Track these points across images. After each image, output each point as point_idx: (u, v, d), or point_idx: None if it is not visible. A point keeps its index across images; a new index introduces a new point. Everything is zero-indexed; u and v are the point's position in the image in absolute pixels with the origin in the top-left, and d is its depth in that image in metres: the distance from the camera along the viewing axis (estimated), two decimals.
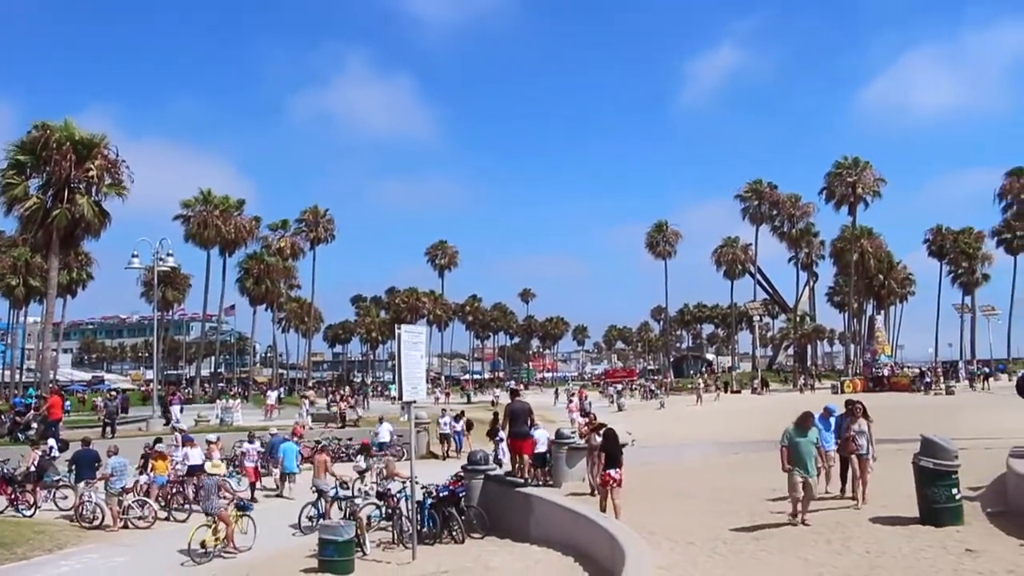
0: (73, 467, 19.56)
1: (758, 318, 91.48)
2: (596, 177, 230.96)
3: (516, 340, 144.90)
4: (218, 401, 46.91)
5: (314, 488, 17.98)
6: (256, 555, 15.23)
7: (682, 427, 40.45)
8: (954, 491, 11.28)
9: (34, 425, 29.41)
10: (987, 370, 65.85)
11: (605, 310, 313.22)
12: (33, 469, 19.90)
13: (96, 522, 17.59)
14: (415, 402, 14.80)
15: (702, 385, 64.73)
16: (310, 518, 17.19)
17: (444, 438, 30.53)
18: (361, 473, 21.29)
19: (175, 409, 36.63)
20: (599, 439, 15.14)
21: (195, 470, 19.97)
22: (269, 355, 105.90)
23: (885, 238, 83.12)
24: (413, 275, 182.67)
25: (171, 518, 18.73)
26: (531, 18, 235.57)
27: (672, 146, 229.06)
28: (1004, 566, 9.04)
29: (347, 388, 63.65)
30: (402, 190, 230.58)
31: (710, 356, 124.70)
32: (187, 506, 19.19)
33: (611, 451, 14.34)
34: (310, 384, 79.90)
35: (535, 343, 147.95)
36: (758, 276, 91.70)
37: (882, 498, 13.06)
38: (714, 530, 12.41)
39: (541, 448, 18.03)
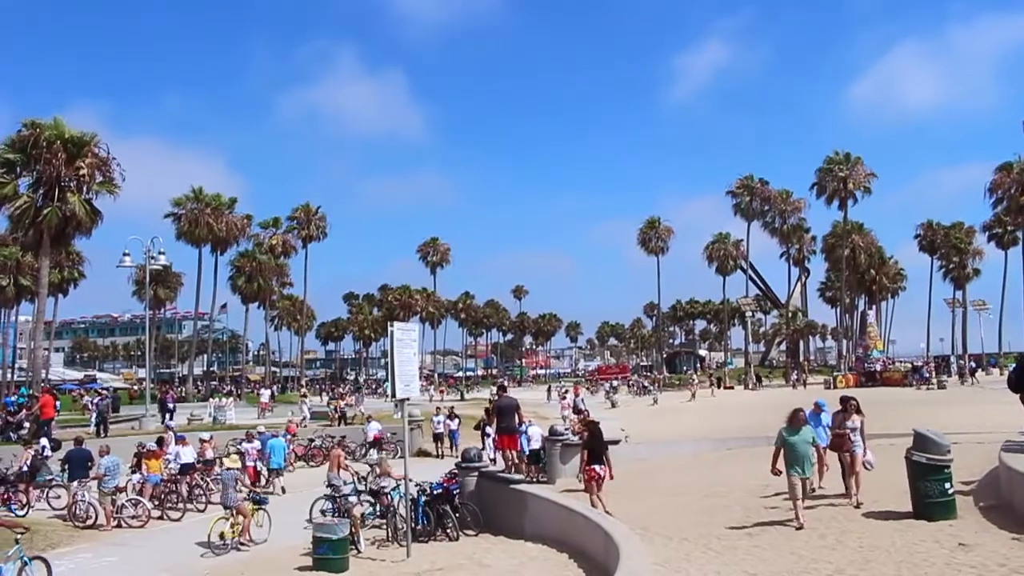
0: (66, 466, 19.48)
1: (750, 314, 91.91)
2: (587, 173, 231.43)
3: (509, 337, 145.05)
4: (211, 399, 46.87)
5: (328, 483, 17.97)
6: (251, 554, 15.22)
7: (675, 423, 40.49)
8: (947, 485, 11.29)
9: (26, 424, 29.34)
10: (973, 364, 66.09)
11: (598, 307, 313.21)
12: (26, 469, 19.79)
13: (89, 521, 17.52)
14: (408, 399, 14.80)
15: (695, 381, 64.88)
16: (323, 512, 17.13)
17: (437, 437, 30.38)
18: (372, 467, 21.26)
19: (169, 407, 36.56)
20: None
21: (188, 469, 20.02)
22: (262, 353, 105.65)
23: (876, 233, 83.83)
24: (405, 272, 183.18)
25: (165, 517, 18.66)
26: (519, 15, 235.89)
27: (663, 142, 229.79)
28: (996, 560, 9.07)
29: (346, 386, 63.66)
30: (393, 187, 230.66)
31: (703, 352, 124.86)
32: (181, 505, 19.14)
33: (594, 447, 14.39)
34: (303, 382, 79.82)
35: (528, 340, 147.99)
36: (750, 272, 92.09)
37: (875, 493, 13.08)
38: (708, 526, 12.44)
39: (535, 445, 18.05)
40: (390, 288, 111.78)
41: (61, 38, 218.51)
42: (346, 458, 19.46)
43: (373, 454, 23.05)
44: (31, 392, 36.12)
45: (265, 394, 49.36)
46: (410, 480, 14.67)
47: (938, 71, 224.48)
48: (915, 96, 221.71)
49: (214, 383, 79.03)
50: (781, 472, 11.86)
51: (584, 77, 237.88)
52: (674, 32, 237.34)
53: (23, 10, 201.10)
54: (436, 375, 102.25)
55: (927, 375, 58.99)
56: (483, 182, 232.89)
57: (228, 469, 16.87)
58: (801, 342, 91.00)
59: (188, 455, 20.54)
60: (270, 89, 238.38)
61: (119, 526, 17.57)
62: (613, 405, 53.23)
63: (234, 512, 15.45)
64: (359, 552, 14.46)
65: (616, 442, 22.61)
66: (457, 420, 30.88)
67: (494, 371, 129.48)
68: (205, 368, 79.12)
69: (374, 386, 79.26)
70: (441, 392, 68.54)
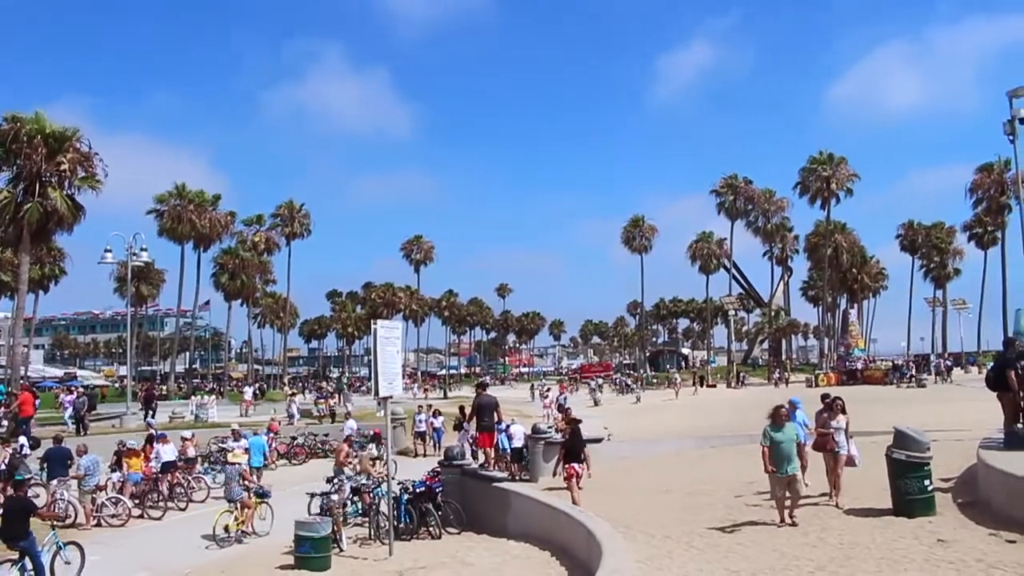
0: (45, 465, 19.29)
1: (733, 312, 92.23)
2: (573, 173, 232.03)
3: (492, 335, 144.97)
4: (193, 397, 46.57)
5: (338, 478, 17.91)
6: (233, 552, 15.15)
7: (658, 421, 40.66)
8: (926, 482, 11.39)
9: (4, 422, 29.04)
10: (949, 363, 66.70)
11: (582, 305, 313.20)
12: (4, 467, 19.59)
13: (69, 520, 17.35)
14: (391, 397, 14.76)
15: (678, 379, 65.09)
16: (321, 508, 17.00)
17: (419, 436, 30.29)
18: (374, 460, 21.18)
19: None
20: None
21: (168, 467, 19.90)
22: (244, 351, 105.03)
23: (858, 233, 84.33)
24: (389, 270, 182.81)
25: (145, 515, 18.54)
26: (505, 14, 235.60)
27: (648, 141, 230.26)
28: (974, 555, 9.18)
29: (330, 384, 63.39)
30: (378, 185, 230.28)
31: (686, 350, 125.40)
32: (162, 504, 19.02)
33: (572, 445, 14.45)
34: (287, 380, 79.49)
35: (511, 338, 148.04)
36: (733, 271, 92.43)
37: (856, 490, 13.16)
38: (690, 523, 12.48)
39: (518, 443, 18.07)
40: (374, 286, 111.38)
41: (46, 33, 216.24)
42: (353, 456, 19.40)
43: (373, 449, 22.93)
44: (10, 390, 35.70)
45: (248, 392, 49.11)
46: (393, 478, 14.64)
47: (921, 73, 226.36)
48: (898, 97, 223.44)
49: (196, 381, 78.48)
50: (775, 471, 11.76)
51: (571, 77, 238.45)
52: (660, 32, 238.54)
53: (6, 3, 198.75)
54: (419, 373, 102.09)
55: (909, 373, 59.48)
56: (468, 180, 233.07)
57: (232, 464, 17.42)
58: (783, 341, 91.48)
59: (169, 453, 20.39)
60: (257, 86, 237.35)
61: (99, 525, 17.45)
62: (596, 403, 53.36)
63: (238, 505, 15.79)
64: (341, 550, 14.40)
65: (599, 440, 22.76)
66: (441, 418, 30.85)
67: (477, 369, 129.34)
68: (187, 366, 78.42)
69: (357, 384, 79.03)
70: (425, 391, 68.46)
